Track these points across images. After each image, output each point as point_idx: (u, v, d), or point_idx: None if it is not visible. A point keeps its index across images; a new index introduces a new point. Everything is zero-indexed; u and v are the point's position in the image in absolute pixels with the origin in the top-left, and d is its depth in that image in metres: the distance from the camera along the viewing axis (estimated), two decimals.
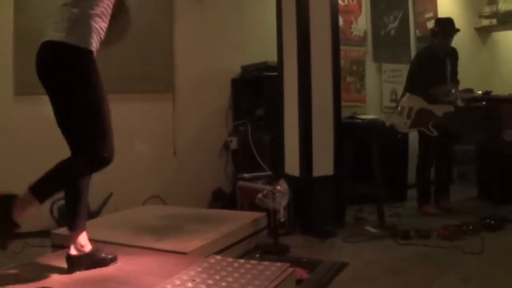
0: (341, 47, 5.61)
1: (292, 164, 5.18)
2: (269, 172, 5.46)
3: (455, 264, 3.89)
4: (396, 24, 7.62)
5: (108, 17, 2.78)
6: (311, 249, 4.46)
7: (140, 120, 5.66)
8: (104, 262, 2.88)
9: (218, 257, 3.07)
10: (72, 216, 2.85)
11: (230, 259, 3.01)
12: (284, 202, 4.43)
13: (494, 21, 8.76)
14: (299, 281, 3.36)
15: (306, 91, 5.01)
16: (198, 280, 2.61)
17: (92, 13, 2.65)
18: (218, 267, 2.84)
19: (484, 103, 6.47)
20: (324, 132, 5.10)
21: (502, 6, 8.67)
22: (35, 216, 4.92)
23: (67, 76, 2.62)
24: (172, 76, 5.93)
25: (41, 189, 2.72)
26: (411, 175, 6.37)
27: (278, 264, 2.88)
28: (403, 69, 7.44)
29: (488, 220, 4.92)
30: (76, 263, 2.78)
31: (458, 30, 5.68)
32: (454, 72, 5.78)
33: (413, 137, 6.14)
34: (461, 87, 5.95)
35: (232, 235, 3.85)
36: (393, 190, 6.08)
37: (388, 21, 7.55)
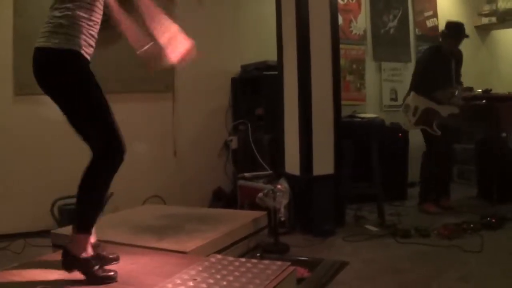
0: (341, 46, 5.60)
1: (292, 163, 5.19)
2: (269, 171, 5.46)
3: (454, 262, 3.90)
4: (395, 23, 7.62)
5: (99, 16, 2.77)
6: (312, 248, 4.47)
7: (140, 120, 5.66)
8: (97, 281, 2.67)
9: (219, 256, 3.07)
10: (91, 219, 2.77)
11: (230, 258, 3.01)
12: (284, 201, 4.44)
13: (493, 19, 8.75)
14: (299, 280, 3.37)
15: (306, 90, 5.02)
16: (199, 279, 2.61)
17: (77, 14, 2.62)
18: (219, 266, 2.84)
19: (484, 101, 6.46)
20: (324, 131, 5.10)
21: (502, 4, 8.67)
22: (35, 216, 4.98)
23: (58, 79, 2.62)
24: (172, 76, 5.93)
25: (82, 223, 2.70)
26: (411, 174, 6.38)
27: (279, 263, 2.88)
28: (403, 68, 7.47)
29: (488, 219, 4.92)
30: (72, 264, 2.73)
31: (467, 36, 5.68)
32: (458, 74, 5.79)
33: (414, 135, 6.15)
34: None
35: (232, 234, 3.85)
36: (393, 188, 6.08)
37: (388, 19, 7.55)
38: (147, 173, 5.73)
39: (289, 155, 5.27)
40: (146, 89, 5.77)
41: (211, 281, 2.59)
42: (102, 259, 2.76)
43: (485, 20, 8.84)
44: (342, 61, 6.49)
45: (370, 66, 7.39)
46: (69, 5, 2.62)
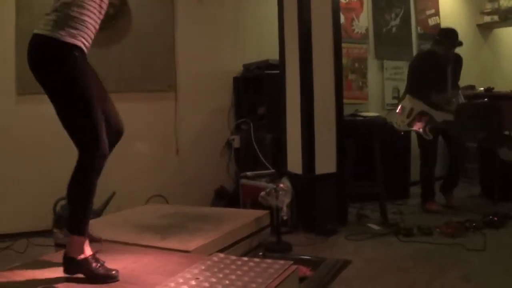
0: (343, 44, 5.61)
1: (294, 162, 5.19)
2: (272, 170, 5.46)
3: (457, 261, 3.89)
4: (397, 21, 7.61)
5: (100, 13, 2.76)
6: (314, 247, 4.47)
7: (142, 119, 5.66)
8: (99, 279, 2.69)
9: (221, 255, 3.07)
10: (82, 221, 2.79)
11: (233, 257, 3.01)
12: (286, 200, 4.43)
13: (495, 17, 8.75)
14: (302, 279, 3.36)
15: (308, 89, 5.02)
16: (201, 278, 2.62)
17: (87, 6, 2.65)
18: (221, 265, 2.84)
19: (486, 99, 6.46)
20: (326, 129, 5.10)
21: (504, 3, 8.66)
22: (38, 215, 4.98)
23: (55, 72, 2.61)
24: (174, 75, 5.94)
25: (74, 226, 2.71)
26: (414, 172, 6.37)
27: (281, 262, 2.88)
28: (405, 67, 7.42)
29: (490, 217, 4.91)
30: (71, 267, 2.72)
31: (461, 43, 5.66)
32: (456, 78, 5.77)
33: (415, 134, 6.14)
34: (463, 83, 5.95)
35: (234, 233, 3.85)
36: (395, 187, 6.08)
37: (390, 18, 7.54)
38: (149, 173, 5.74)
39: (291, 154, 5.27)
40: (148, 89, 5.78)
41: (213, 280, 2.59)
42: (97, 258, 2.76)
43: (487, 19, 8.84)
44: (344, 60, 6.50)
45: (372, 65, 7.38)
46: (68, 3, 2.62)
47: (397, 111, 5.80)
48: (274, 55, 5.62)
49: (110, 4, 2.83)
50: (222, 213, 4.56)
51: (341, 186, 5.16)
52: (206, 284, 2.54)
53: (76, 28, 2.62)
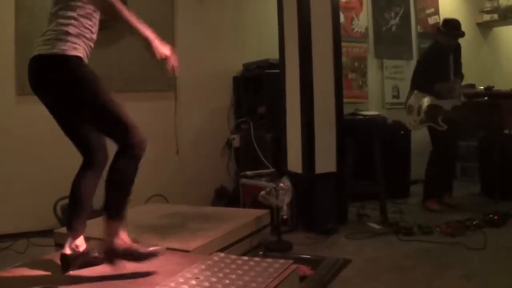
0: (343, 43, 5.62)
1: (294, 161, 5.19)
2: (272, 170, 5.46)
3: (457, 260, 3.89)
4: (397, 20, 7.61)
5: (97, 26, 2.84)
6: (314, 246, 4.47)
7: (142, 119, 5.56)
8: (97, 262, 2.86)
9: (222, 254, 3.07)
10: (78, 217, 2.86)
11: (233, 257, 3.01)
12: (287, 199, 4.43)
13: (495, 16, 8.74)
14: (302, 278, 3.36)
15: (308, 88, 5.02)
16: (201, 277, 2.62)
17: (81, 23, 2.71)
18: (222, 265, 2.84)
19: (486, 98, 6.46)
20: (326, 129, 5.10)
21: (503, 1, 8.66)
22: (38, 215, 4.98)
23: (67, 81, 2.65)
24: (174, 75, 5.93)
25: (114, 209, 2.76)
26: (414, 172, 6.37)
27: (281, 261, 2.88)
28: (405, 65, 7.46)
29: (491, 216, 4.91)
30: (70, 262, 2.77)
31: (463, 33, 5.67)
32: (458, 66, 5.78)
33: (416, 133, 6.14)
34: (463, 82, 5.94)
35: (235, 232, 3.85)
36: (395, 186, 6.07)
37: (389, 17, 7.54)
38: (149, 172, 5.69)
39: (291, 153, 5.28)
40: (148, 88, 5.78)
41: (213, 279, 2.59)
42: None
43: (487, 17, 8.84)
44: (344, 59, 6.50)
45: (372, 64, 7.39)
46: (73, 14, 2.68)
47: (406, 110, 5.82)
48: (274, 55, 5.63)
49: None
50: (222, 212, 4.56)
51: (341, 185, 5.16)
52: (207, 284, 2.53)
53: (75, 42, 2.68)
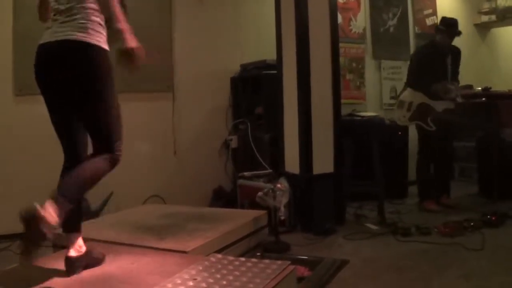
0: (340, 44, 5.60)
1: (292, 162, 5.19)
2: (269, 170, 5.46)
3: (455, 260, 3.89)
4: (395, 21, 7.62)
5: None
6: (312, 246, 4.46)
7: (140, 119, 5.66)
8: (98, 262, 2.92)
9: (219, 255, 3.07)
10: (78, 219, 2.86)
11: (231, 258, 3.02)
12: (284, 200, 4.44)
13: (493, 17, 8.76)
14: (300, 279, 3.36)
15: (306, 89, 5.01)
16: (199, 278, 2.62)
17: (100, 17, 2.76)
18: (219, 266, 2.84)
19: (483, 99, 6.47)
20: (324, 129, 5.10)
21: (501, 2, 8.68)
22: None
23: (92, 73, 2.69)
24: (172, 75, 5.94)
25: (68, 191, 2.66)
26: (412, 172, 6.37)
27: (279, 262, 2.88)
28: (403, 66, 7.46)
29: (488, 216, 4.92)
30: (76, 264, 2.78)
31: (460, 33, 5.67)
32: (455, 71, 5.79)
33: (414, 133, 6.14)
34: (460, 83, 5.95)
35: (232, 233, 3.86)
36: (393, 187, 6.07)
37: (387, 18, 7.55)
38: (147, 173, 5.73)
39: (289, 154, 5.27)
40: (146, 89, 5.77)
41: (211, 280, 2.59)
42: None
43: (484, 18, 8.86)
44: (342, 60, 6.50)
45: (369, 65, 7.39)
46: (94, 6, 2.74)
47: (397, 104, 5.83)
48: (271, 55, 5.63)
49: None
50: (220, 213, 4.56)
51: (339, 186, 5.16)
52: (204, 285, 2.54)
53: (103, 34, 2.78)
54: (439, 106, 5.62)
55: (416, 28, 7.88)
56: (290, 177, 4.87)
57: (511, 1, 8.62)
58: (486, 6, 8.84)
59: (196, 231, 3.75)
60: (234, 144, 6.20)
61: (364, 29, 7.33)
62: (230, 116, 6.39)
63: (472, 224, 4.76)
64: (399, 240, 4.55)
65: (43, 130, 5.02)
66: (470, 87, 7.02)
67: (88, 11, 2.69)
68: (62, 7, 2.71)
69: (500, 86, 7.27)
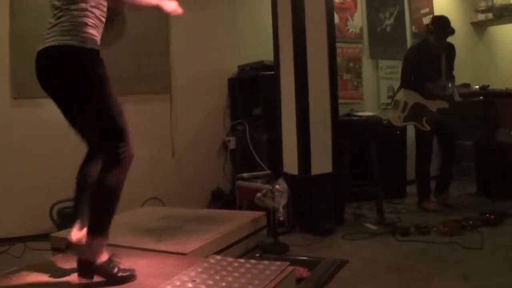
0: (337, 44, 5.61)
1: (290, 163, 5.18)
2: (268, 171, 5.46)
3: (455, 260, 3.89)
4: (392, 20, 7.62)
5: (103, 17, 2.80)
6: (311, 247, 4.46)
7: (137, 121, 5.59)
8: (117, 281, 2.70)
9: (218, 257, 3.07)
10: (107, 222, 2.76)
11: (230, 259, 3.01)
12: (283, 201, 4.43)
13: (490, 15, 8.76)
14: (299, 280, 3.36)
15: (303, 89, 5.01)
16: (198, 280, 2.61)
17: (94, 14, 2.70)
18: (218, 267, 2.84)
19: (481, 97, 6.47)
20: (321, 130, 5.09)
21: (498, 1, 8.69)
22: (35, 219, 4.97)
23: (80, 76, 2.63)
24: (169, 77, 5.94)
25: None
26: (410, 171, 6.37)
27: (278, 263, 2.88)
28: (400, 66, 7.42)
29: (487, 215, 4.92)
30: (91, 271, 2.68)
31: (453, 31, 5.66)
32: (450, 68, 5.78)
33: (412, 133, 6.15)
34: (458, 82, 5.95)
35: (231, 234, 3.85)
36: (392, 186, 6.07)
37: (384, 17, 7.55)
38: (145, 175, 5.71)
39: (287, 155, 5.27)
40: (143, 91, 5.77)
41: (210, 282, 2.59)
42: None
43: (481, 17, 8.86)
44: (339, 60, 6.51)
45: (367, 64, 7.40)
46: (86, 6, 2.66)
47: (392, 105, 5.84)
48: (268, 56, 5.62)
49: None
50: (219, 214, 4.56)
51: (338, 186, 5.16)
52: (203, 287, 2.53)
53: (94, 35, 2.69)
54: (433, 106, 5.63)
55: (413, 27, 7.88)
56: (288, 178, 4.87)
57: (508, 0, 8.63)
58: (482, 5, 8.84)
59: (194, 232, 3.74)
60: (232, 145, 6.20)
61: (361, 29, 7.33)
62: (228, 117, 6.38)
63: (471, 223, 4.75)
64: (398, 240, 4.55)
65: (41, 132, 5.07)
66: (467, 85, 7.01)
67: (74, 12, 2.63)
68: (53, 9, 2.69)
69: (497, 84, 7.27)
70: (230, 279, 2.63)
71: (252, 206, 4.69)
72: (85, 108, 2.69)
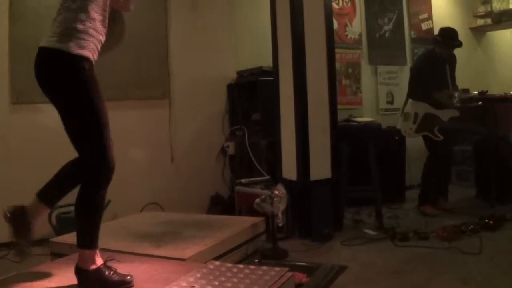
0: (336, 50, 5.63)
1: (289, 168, 5.18)
2: (267, 177, 5.46)
3: (454, 265, 3.89)
4: (390, 26, 7.63)
5: (105, 22, 2.73)
6: (310, 252, 4.46)
7: (137, 127, 5.66)
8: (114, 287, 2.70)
9: (217, 262, 3.07)
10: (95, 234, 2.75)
11: (228, 265, 3.01)
12: (282, 206, 4.43)
13: (488, 20, 8.79)
14: (298, 286, 3.36)
15: (302, 94, 5.01)
16: (197, 286, 2.61)
17: (93, 17, 2.62)
18: (217, 273, 2.83)
19: (480, 103, 6.47)
20: (320, 135, 5.09)
21: (497, 6, 8.70)
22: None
23: (64, 84, 2.57)
24: (168, 82, 5.94)
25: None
26: (409, 177, 6.38)
27: (277, 268, 2.87)
28: (399, 71, 7.49)
29: (486, 220, 4.92)
30: (86, 279, 2.68)
31: (461, 44, 5.68)
32: (453, 76, 5.80)
33: (411, 139, 6.15)
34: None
35: (230, 240, 3.84)
36: (391, 192, 6.08)
37: (383, 23, 7.56)
38: (144, 180, 5.72)
39: (286, 160, 5.27)
40: (143, 96, 5.77)
41: (209, 287, 2.59)
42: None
43: (480, 22, 8.89)
44: (338, 65, 6.52)
45: (366, 70, 7.41)
46: (83, 6, 2.59)
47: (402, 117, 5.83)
48: (267, 62, 5.63)
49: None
50: (218, 220, 4.55)
51: (336, 192, 5.16)
52: None
53: (83, 39, 2.57)
54: (445, 115, 5.63)
55: (412, 32, 7.89)
56: (287, 183, 4.87)
57: (507, 4, 8.64)
58: (481, 10, 8.86)
59: (193, 238, 3.73)
60: (231, 150, 6.21)
61: (360, 35, 7.34)
62: (227, 122, 6.40)
63: (469, 228, 4.76)
64: (397, 245, 4.55)
65: (40, 138, 5.06)
66: (466, 91, 7.02)
67: (68, 14, 2.58)
68: (59, 3, 2.65)
69: (496, 89, 7.28)
70: (229, 284, 2.63)
71: (251, 212, 4.69)
72: (66, 117, 2.65)
